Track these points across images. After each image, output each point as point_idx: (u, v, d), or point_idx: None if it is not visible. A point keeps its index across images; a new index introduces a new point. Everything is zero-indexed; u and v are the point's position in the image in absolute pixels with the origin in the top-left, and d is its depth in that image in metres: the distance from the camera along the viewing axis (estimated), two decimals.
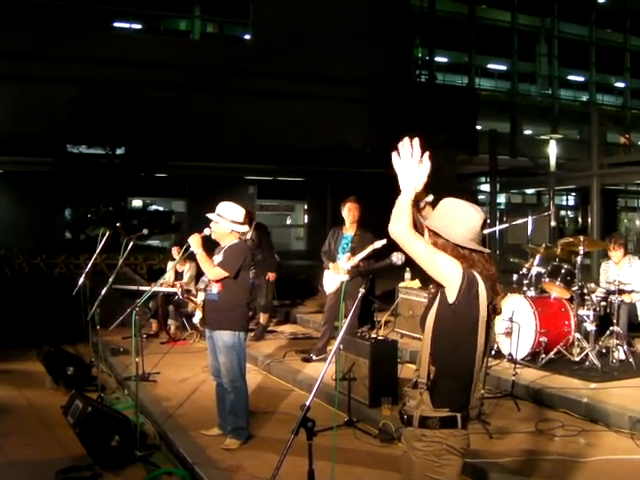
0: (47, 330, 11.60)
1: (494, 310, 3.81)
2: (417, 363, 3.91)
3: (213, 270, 7.32)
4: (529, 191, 38.40)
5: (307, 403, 3.81)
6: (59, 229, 24.63)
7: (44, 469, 6.92)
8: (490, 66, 42.80)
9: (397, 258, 3.87)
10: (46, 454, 7.39)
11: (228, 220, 7.42)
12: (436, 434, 3.75)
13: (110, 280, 8.87)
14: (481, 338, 3.73)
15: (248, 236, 11.62)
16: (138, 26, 33.54)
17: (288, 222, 37.13)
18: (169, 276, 12.85)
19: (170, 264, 13.20)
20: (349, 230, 10.50)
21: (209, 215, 7.54)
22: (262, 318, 12.69)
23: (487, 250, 3.87)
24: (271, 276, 12.61)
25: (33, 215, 26.85)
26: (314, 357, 10.53)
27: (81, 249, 15.38)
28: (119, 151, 22.14)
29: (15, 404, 9.34)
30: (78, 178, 21.12)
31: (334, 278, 10.20)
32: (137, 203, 29.43)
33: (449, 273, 3.67)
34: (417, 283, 11.61)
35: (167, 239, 24.55)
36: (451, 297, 3.67)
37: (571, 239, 10.18)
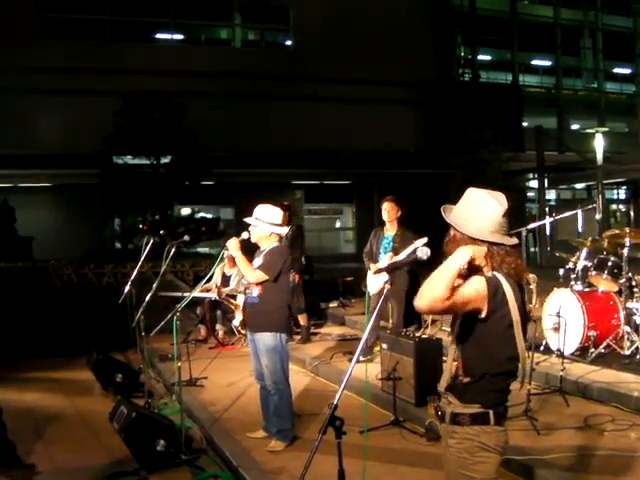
0: (96, 338, 11.72)
1: (525, 305, 3.75)
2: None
3: (253, 273, 7.33)
4: (579, 186, 37.97)
5: (335, 402, 3.75)
6: (108, 239, 24.92)
7: (91, 474, 6.99)
8: (534, 62, 42.34)
9: (422, 253, 3.82)
10: (93, 460, 7.45)
11: (266, 223, 7.43)
12: (467, 431, 3.70)
13: (154, 287, 8.90)
14: (520, 342, 3.67)
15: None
16: (179, 36, 33.77)
17: (337, 225, 37.07)
18: (214, 280, 12.89)
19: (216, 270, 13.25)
20: (390, 230, 10.47)
21: (247, 219, 7.57)
22: (301, 320, 12.64)
23: (512, 241, 3.79)
24: (296, 277, 12.44)
25: (82, 226, 27.16)
26: (361, 358, 10.47)
27: (129, 258, 15.49)
28: (164, 160, 22.30)
29: (64, 412, 9.45)
30: (125, 188, 21.34)
31: (377, 279, 10.15)
32: (186, 211, 29.60)
33: (476, 296, 3.58)
34: None
35: (215, 246, 24.74)
36: (483, 313, 3.62)
37: (617, 231, 10.00)
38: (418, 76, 33.12)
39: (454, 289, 3.52)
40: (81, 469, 7.22)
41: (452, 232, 3.81)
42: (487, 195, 3.80)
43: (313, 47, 31.84)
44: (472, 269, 3.69)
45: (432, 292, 3.51)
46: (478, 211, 3.75)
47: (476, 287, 3.59)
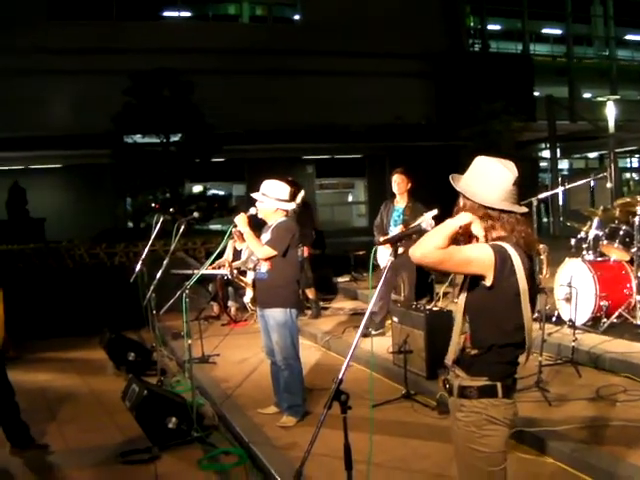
0: (108, 318, 11.75)
1: (533, 274, 3.72)
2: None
3: (262, 249, 7.31)
4: (591, 155, 37.76)
5: (339, 376, 3.72)
6: (119, 218, 24.97)
7: (105, 453, 7.02)
8: (544, 31, 42.02)
9: (426, 224, 3.77)
10: (106, 439, 7.49)
11: (273, 198, 7.41)
12: (474, 404, 3.67)
13: (164, 265, 8.89)
14: (526, 312, 3.63)
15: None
16: (187, 13, 33.69)
17: (349, 199, 37.03)
18: (225, 256, 12.88)
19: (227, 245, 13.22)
20: (400, 202, 10.42)
21: (254, 195, 7.55)
22: (310, 294, 12.57)
23: (522, 209, 3.75)
24: (305, 250, 12.31)
25: (93, 206, 27.24)
26: (373, 332, 10.43)
27: (141, 237, 15.49)
28: (174, 138, 22.28)
29: (78, 391, 9.50)
30: (135, 167, 21.33)
31: (387, 251, 10.10)
32: (197, 188, 29.62)
33: (481, 259, 3.56)
34: None
35: (227, 222, 24.52)
36: (488, 281, 3.58)
37: (629, 199, 9.86)
38: (428, 48, 32.99)
39: (451, 242, 3.55)
40: (94, 448, 7.25)
41: (462, 201, 3.77)
42: (497, 163, 3.76)
43: (321, 21, 31.70)
44: (470, 237, 3.68)
45: (427, 240, 3.56)
46: (488, 179, 3.71)
47: (482, 252, 3.58)
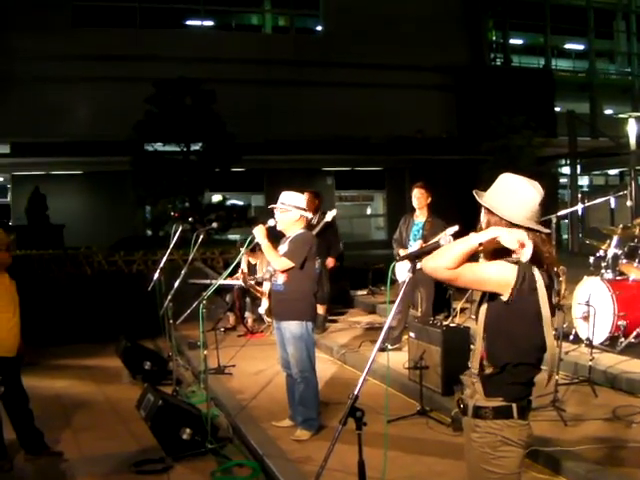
0: (125, 326, 11.77)
1: (557, 295, 3.69)
2: (471, 353, 3.83)
3: (279, 260, 7.31)
4: (612, 172, 37.55)
5: (355, 392, 3.71)
6: (138, 226, 25.04)
7: (118, 462, 7.04)
8: (567, 46, 41.88)
9: (445, 241, 3.76)
10: (120, 447, 7.51)
11: (293, 207, 7.41)
12: (489, 425, 3.64)
13: (182, 274, 8.91)
14: (549, 335, 3.60)
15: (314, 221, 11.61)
16: (210, 23, 33.84)
17: (368, 212, 37.01)
18: (241, 269, 12.91)
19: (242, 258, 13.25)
20: (420, 217, 10.39)
21: (273, 206, 7.55)
22: (320, 309, 12.46)
23: (546, 230, 3.74)
24: (330, 261, 12.27)
25: (113, 214, 27.35)
26: (389, 346, 10.38)
27: (159, 245, 15.55)
28: (194, 147, 22.34)
29: (93, 399, 9.53)
30: (155, 175, 21.38)
31: (406, 266, 10.07)
32: (217, 198, 29.69)
33: (498, 279, 3.55)
34: None
35: (246, 233, 24.52)
36: (505, 296, 3.56)
37: None
38: (449, 61, 33.00)
39: (464, 262, 3.54)
40: (108, 456, 7.26)
41: (486, 217, 3.75)
42: (525, 181, 3.74)
43: (343, 32, 31.76)
44: (501, 252, 3.65)
45: (438, 257, 3.57)
46: (516, 196, 3.68)
47: (500, 271, 3.55)
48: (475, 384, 3.69)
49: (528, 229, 3.64)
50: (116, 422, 8.44)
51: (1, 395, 6.76)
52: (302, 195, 7.65)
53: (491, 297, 3.65)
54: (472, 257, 3.66)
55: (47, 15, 28.32)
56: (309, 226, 11.07)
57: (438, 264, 3.55)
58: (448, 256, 3.54)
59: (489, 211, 3.72)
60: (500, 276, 3.54)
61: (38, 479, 6.86)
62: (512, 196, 3.69)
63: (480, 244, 3.57)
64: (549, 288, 3.60)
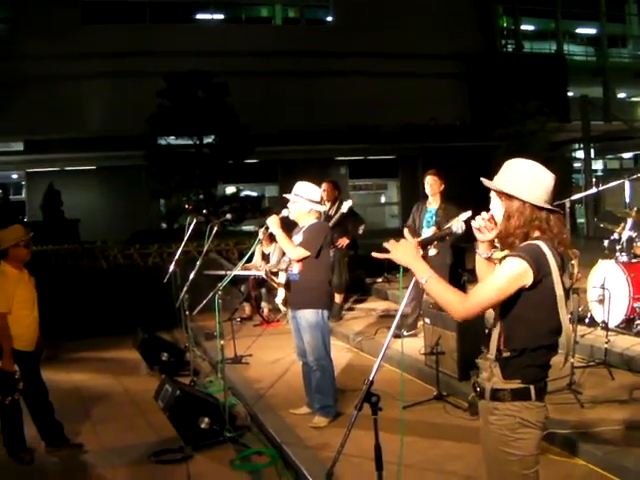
0: (142, 318, 11.82)
1: (569, 277, 3.72)
2: (488, 336, 3.84)
3: (294, 250, 7.34)
4: (626, 156, 37.38)
5: (370, 378, 3.72)
6: (153, 219, 25.11)
7: (138, 452, 7.10)
8: (578, 30, 41.69)
9: (457, 227, 3.78)
10: (139, 438, 7.57)
11: (305, 199, 7.43)
12: (508, 407, 3.65)
13: (197, 265, 8.95)
14: (563, 315, 3.62)
15: (332, 212, 11.64)
16: (220, 16, 33.84)
17: (382, 200, 36.94)
18: (255, 259, 12.96)
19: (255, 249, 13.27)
20: (433, 204, 10.36)
21: (286, 195, 7.59)
22: (337, 297, 12.44)
23: (561, 211, 3.76)
24: (341, 241, 12.06)
25: (127, 207, 27.43)
26: (405, 333, 10.39)
27: (174, 238, 15.58)
28: (207, 140, 22.36)
29: (111, 391, 9.60)
30: (169, 169, 21.43)
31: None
32: (230, 190, 29.73)
33: (515, 277, 3.56)
34: (505, 254, 11.39)
35: (260, 224, 24.52)
36: (528, 284, 3.57)
37: None
38: (461, 48, 32.91)
39: (452, 293, 3.67)
40: (128, 447, 7.33)
41: (504, 203, 3.72)
42: (537, 165, 3.75)
43: (354, 22, 31.70)
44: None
45: (451, 311, 3.69)
46: (534, 179, 3.69)
47: (511, 271, 3.56)
48: (492, 367, 3.70)
49: (548, 210, 3.67)
50: (135, 413, 8.51)
51: (21, 389, 6.82)
52: (316, 186, 7.65)
53: None
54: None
55: (57, 13, 28.42)
56: (327, 217, 11.13)
57: (458, 315, 3.66)
58: (448, 306, 3.66)
59: (508, 197, 3.70)
60: (514, 275, 3.55)
61: (59, 471, 6.92)
62: (530, 179, 3.68)
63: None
64: (561, 268, 3.62)
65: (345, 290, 12.83)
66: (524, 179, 3.69)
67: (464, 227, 3.78)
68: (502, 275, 3.58)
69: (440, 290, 3.67)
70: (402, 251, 3.78)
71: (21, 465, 6.94)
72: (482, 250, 3.90)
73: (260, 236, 7.99)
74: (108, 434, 7.83)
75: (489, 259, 3.90)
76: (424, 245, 3.89)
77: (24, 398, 7.00)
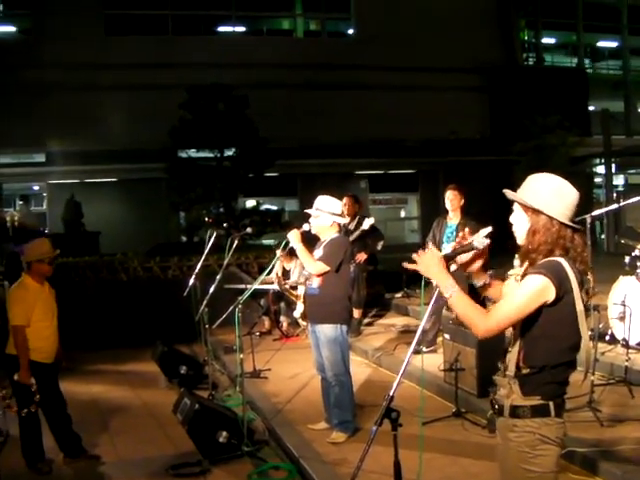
0: (161, 331, 11.86)
1: (586, 293, 3.70)
2: (504, 353, 3.82)
3: (314, 265, 7.34)
4: None
5: (390, 393, 3.70)
6: (173, 232, 25.14)
7: (156, 465, 7.12)
8: (600, 44, 41.55)
9: (479, 242, 3.77)
10: (158, 451, 7.59)
11: (327, 213, 7.44)
12: (528, 424, 3.64)
13: (217, 279, 8.96)
14: (584, 330, 3.61)
15: (352, 227, 11.66)
16: (241, 28, 33.96)
17: (402, 215, 36.90)
18: (275, 272, 12.95)
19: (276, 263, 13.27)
20: (453, 219, 10.33)
21: (308, 210, 7.59)
22: (356, 313, 12.36)
23: (582, 228, 3.75)
24: (359, 256, 12.04)
25: (147, 220, 27.46)
26: (424, 349, 10.35)
27: (194, 251, 15.61)
28: (228, 153, 22.38)
29: (130, 403, 9.63)
30: (189, 182, 21.46)
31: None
32: (251, 203, 29.77)
33: (535, 292, 3.55)
34: (524, 270, 11.33)
35: (280, 238, 24.37)
36: (549, 300, 3.57)
37: None
38: (482, 61, 32.83)
39: (476, 308, 3.68)
40: (145, 460, 7.35)
41: (531, 219, 3.71)
42: (564, 180, 3.73)
43: (375, 35, 31.67)
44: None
45: (473, 328, 3.70)
46: (564, 197, 3.68)
47: (532, 288, 3.55)
48: (512, 384, 3.68)
49: (573, 228, 3.66)
50: (153, 426, 8.53)
51: (37, 401, 6.85)
52: (337, 200, 7.67)
53: None
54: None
55: (81, 24, 28.57)
56: (346, 231, 11.11)
57: (479, 333, 3.67)
58: (470, 322, 3.67)
59: (534, 211, 3.68)
60: (535, 292, 3.55)
61: None
62: (558, 196, 3.67)
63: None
64: (580, 284, 3.61)
65: (363, 305, 12.80)
66: (551, 195, 3.67)
67: (485, 242, 3.76)
68: (523, 293, 3.56)
69: (464, 306, 3.66)
70: (428, 263, 3.78)
71: (39, 476, 6.98)
72: (476, 280, 3.92)
73: (278, 254, 8.02)
74: (126, 446, 7.85)
75: (484, 287, 3.90)
76: (447, 260, 3.88)
77: (43, 409, 7.03)
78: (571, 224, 3.65)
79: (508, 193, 3.82)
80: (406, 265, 3.98)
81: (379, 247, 12.71)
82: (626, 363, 8.02)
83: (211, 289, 8.86)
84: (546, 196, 3.67)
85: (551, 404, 3.62)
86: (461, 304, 3.66)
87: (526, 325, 3.64)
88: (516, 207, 3.79)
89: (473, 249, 3.80)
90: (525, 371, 3.65)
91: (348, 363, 7.54)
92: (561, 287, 3.53)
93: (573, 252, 3.64)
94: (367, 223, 11.54)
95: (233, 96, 21.75)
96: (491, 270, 4.01)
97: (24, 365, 6.82)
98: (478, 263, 3.89)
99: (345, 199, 11.74)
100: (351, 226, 11.85)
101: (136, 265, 15.32)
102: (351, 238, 10.91)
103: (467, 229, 3.96)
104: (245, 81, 24.57)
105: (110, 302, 14.05)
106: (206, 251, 9.70)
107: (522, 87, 31.80)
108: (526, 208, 3.72)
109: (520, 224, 3.77)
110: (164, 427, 8.28)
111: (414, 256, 3.82)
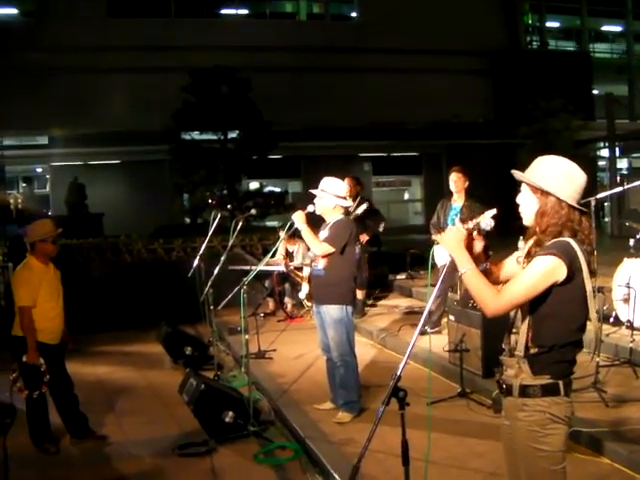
0: (166, 312, 11.89)
1: (593, 274, 3.70)
2: (508, 334, 3.84)
3: (320, 246, 7.35)
4: None
5: (397, 373, 3.70)
6: (177, 214, 25.12)
7: (162, 445, 7.15)
8: (604, 28, 41.41)
9: (485, 224, 3.78)
10: (164, 431, 7.62)
11: (331, 195, 7.44)
12: (538, 403, 3.65)
13: (222, 260, 8.97)
14: (592, 310, 3.63)
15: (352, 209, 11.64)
16: (244, 11, 33.88)
17: (406, 197, 36.90)
18: (281, 254, 12.96)
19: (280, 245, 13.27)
20: (457, 201, 10.31)
21: (313, 191, 7.59)
22: (359, 294, 12.38)
23: (587, 210, 3.76)
24: (362, 237, 11.95)
25: (151, 202, 27.45)
26: (429, 330, 10.34)
27: (198, 233, 15.62)
28: (231, 135, 22.35)
29: (135, 384, 9.66)
30: (193, 164, 21.43)
31: (444, 250, 10.01)
32: (254, 185, 29.76)
33: (546, 272, 3.55)
34: (529, 245, 11.33)
35: (284, 219, 24.51)
36: (560, 279, 3.57)
37: None
38: (485, 45, 32.77)
39: (488, 285, 3.71)
40: (152, 440, 7.38)
41: (539, 200, 3.71)
42: (573, 163, 3.73)
43: (378, 18, 31.62)
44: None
45: (482, 305, 3.72)
46: (569, 179, 3.68)
47: (543, 267, 3.55)
48: (521, 364, 3.69)
49: (580, 211, 3.67)
50: (159, 406, 8.56)
51: (47, 382, 6.88)
52: (342, 182, 7.68)
53: None
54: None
55: (83, 6, 28.50)
56: (346, 212, 11.10)
57: (489, 311, 3.68)
58: (481, 300, 3.69)
59: (543, 193, 3.68)
60: (545, 272, 3.55)
61: (84, 462, 6.95)
62: (567, 178, 3.68)
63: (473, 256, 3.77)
64: (589, 265, 3.62)
65: (366, 286, 12.82)
66: (561, 177, 3.67)
67: (493, 224, 3.78)
68: (533, 273, 3.57)
69: (477, 283, 3.68)
70: (450, 237, 3.83)
71: (47, 456, 7.01)
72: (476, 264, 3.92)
73: (282, 236, 8.03)
74: (132, 427, 7.88)
75: (484, 272, 3.90)
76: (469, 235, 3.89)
77: (49, 390, 7.06)
78: (579, 207, 3.66)
79: (516, 174, 3.82)
80: (434, 237, 4.03)
81: (381, 229, 12.71)
82: (631, 344, 8.06)
83: (215, 270, 8.88)
84: (556, 178, 3.67)
85: (560, 383, 3.64)
86: (474, 281, 3.68)
87: (535, 305, 3.64)
88: (524, 188, 3.78)
89: (480, 230, 3.81)
90: (534, 350, 3.65)
91: (353, 344, 7.55)
92: (572, 267, 3.54)
93: (581, 234, 3.65)
94: (361, 209, 11.51)
95: (236, 79, 21.70)
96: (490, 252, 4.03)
97: (32, 346, 6.84)
98: (479, 246, 3.90)
99: (346, 180, 11.72)
100: (351, 208, 11.85)
101: (140, 247, 15.32)
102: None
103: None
104: (248, 64, 24.52)
105: (114, 284, 14.08)
106: (210, 233, 9.69)
107: (526, 71, 31.77)
108: (535, 189, 3.72)
109: (528, 205, 3.77)
110: (169, 407, 8.31)
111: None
